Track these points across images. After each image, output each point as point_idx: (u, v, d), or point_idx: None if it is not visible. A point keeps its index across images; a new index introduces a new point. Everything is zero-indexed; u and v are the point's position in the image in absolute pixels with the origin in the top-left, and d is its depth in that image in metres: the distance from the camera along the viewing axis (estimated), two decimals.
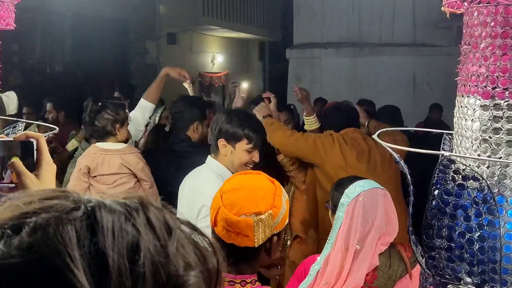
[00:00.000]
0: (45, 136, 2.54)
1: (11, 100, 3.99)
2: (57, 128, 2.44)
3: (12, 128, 2.60)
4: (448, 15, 1.71)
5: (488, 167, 1.59)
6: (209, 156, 2.95)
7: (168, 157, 3.66)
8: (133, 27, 12.20)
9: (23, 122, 2.61)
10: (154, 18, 12.58)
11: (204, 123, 3.71)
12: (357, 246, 2.34)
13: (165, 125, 4.70)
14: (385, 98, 7.97)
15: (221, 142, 2.85)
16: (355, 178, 2.59)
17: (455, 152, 1.69)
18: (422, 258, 1.69)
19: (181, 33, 13.08)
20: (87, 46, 10.88)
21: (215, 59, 14.88)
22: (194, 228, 0.69)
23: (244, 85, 4.48)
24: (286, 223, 1.83)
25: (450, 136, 1.92)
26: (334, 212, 2.54)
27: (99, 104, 3.28)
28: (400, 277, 2.54)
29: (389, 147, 1.70)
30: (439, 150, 1.75)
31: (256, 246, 1.74)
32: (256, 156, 2.90)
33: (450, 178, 1.53)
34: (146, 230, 0.61)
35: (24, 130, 2.58)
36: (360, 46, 11.46)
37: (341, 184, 2.59)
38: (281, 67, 13.91)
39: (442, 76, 10.58)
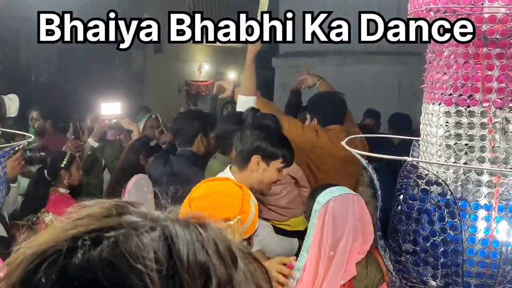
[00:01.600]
0: (20, 145, 2.55)
1: (13, 102, 4.07)
2: (32, 137, 2.46)
3: None
4: None
5: (454, 172, 1.62)
6: (227, 169, 2.84)
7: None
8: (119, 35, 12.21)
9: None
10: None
11: (209, 134, 3.72)
12: (330, 252, 2.36)
13: (151, 139, 4.66)
14: (371, 106, 8.05)
15: (256, 158, 2.74)
16: (330, 185, 2.61)
17: (421, 158, 1.72)
18: (390, 263, 1.72)
19: (167, 42, 13.10)
20: (73, 54, 10.88)
21: (201, 67, 14.92)
22: (249, 253, 0.70)
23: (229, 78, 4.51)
24: (256, 228, 1.85)
25: (419, 143, 1.96)
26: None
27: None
28: (377, 286, 2.56)
29: (357, 153, 1.73)
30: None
31: None
32: (282, 175, 2.88)
33: (414, 184, 1.57)
34: (216, 257, 0.62)
35: None
36: (345, 55, 11.54)
37: (315, 192, 2.62)
38: (267, 75, 13.95)
39: None
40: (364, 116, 7.06)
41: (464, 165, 1.52)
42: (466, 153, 1.57)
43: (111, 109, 5.34)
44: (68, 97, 9.61)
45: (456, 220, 1.51)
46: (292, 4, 11.91)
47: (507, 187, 1.55)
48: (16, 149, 2.62)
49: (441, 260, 1.53)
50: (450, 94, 1.58)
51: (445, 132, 1.60)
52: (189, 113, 3.90)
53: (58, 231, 0.62)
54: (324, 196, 2.44)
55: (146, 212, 0.65)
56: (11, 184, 3.78)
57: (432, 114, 1.66)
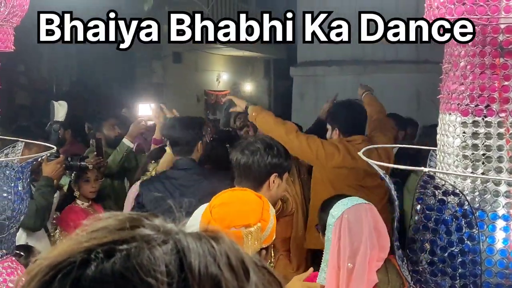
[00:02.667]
0: (43, 156, 2.60)
1: (62, 107, 4.20)
2: (55, 148, 2.50)
3: (12, 147, 2.66)
4: None
5: (471, 183, 1.62)
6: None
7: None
8: (139, 46, 12.31)
9: (22, 141, 2.65)
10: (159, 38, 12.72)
11: (203, 140, 3.69)
12: (349, 264, 2.36)
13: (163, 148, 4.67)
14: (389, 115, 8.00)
15: (274, 176, 2.68)
16: (339, 197, 2.61)
17: (438, 168, 1.73)
18: (408, 273, 1.72)
19: (186, 52, 13.21)
20: (93, 66, 11.02)
21: (220, 77, 15.01)
22: (264, 266, 0.71)
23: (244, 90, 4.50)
24: (274, 238, 1.86)
25: (436, 153, 1.96)
26: (323, 233, 2.56)
27: None
28: None
29: (373, 163, 1.74)
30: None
31: None
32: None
33: (431, 194, 1.57)
34: (227, 270, 0.63)
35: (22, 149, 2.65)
36: (363, 64, 11.52)
37: (326, 205, 2.61)
38: (286, 85, 13.99)
39: None
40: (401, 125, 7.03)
41: (482, 176, 1.52)
42: (483, 163, 1.57)
43: (147, 110, 5.31)
44: (89, 108, 9.73)
45: (474, 230, 1.51)
46: (308, 5, 11.96)
47: None
48: (39, 160, 2.67)
49: (459, 270, 1.52)
50: (467, 105, 1.59)
51: (462, 142, 1.60)
52: (181, 121, 3.81)
53: (73, 243, 0.63)
54: (337, 209, 2.44)
55: (160, 225, 0.66)
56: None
57: (449, 124, 1.66)
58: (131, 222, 0.66)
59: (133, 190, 3.94)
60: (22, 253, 3.21)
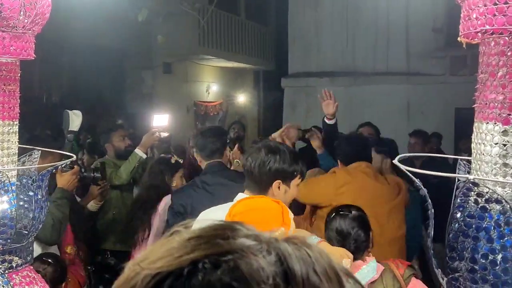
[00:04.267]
0: (62, 164, 2.58)
1: (76, 116, 4.17)
2: (74, 156, 2.49)
3: (28, 156, 2.64)
4: (464, 45, 1.78)
5: (507, 191, 1.64)
6: (241, 195, 2.69)
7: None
8: (129, 56, 12.32)
9: (39, 150, 2.64)
10: (150, 48, 12.71)
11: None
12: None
13: (168, 158, 4.65)
14: (380, 127, 8.07)
15: (277, 184, 2.65)
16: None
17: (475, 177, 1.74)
18: (443, 280, 1.73)
19: (176, 63, 13.21)
20: (84, 76, 10.96)
21: (210, 88, 15.00)
22: (351, 275, 0.71)
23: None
24: None
25: (464, 162, 1.98)
26: None
27: None
28: None
29: (408, 171, 1.75)
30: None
31: None
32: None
33: (473, 201, 1.59)
34: (325, 279, 0.63)
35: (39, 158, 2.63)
36: (354, 75, 11.62)
37: (331, 216, 2.68)
38: (275, 96, 14.04)
39: (437, 105, 10.74)
40: (409, 136, 7.09)
41: None
42: None
43: (161, 120, 5.28)
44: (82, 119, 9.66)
45: None
46: (299, 19, 12.05)
47: None
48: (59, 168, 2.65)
49: (502, 277, 1.54)
50: (507, 114, 1.61)
51: (501, 151, 1.62)
52: (210, 131, 3.92)
53: (173, 251, 0.63)
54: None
55: (258, 234, 0.66)
56: None
57: (486, 133, 1.68)
58: (230, 232, 0.65)
59: (163, 205, 3.96)
60: (50, 261, 3.19)
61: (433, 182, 4.18)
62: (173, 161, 4.45)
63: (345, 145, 4.06)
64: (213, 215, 2.67)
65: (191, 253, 0.62)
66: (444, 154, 6.99)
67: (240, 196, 2.63)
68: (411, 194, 3.97)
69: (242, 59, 14.98)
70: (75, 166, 3.87)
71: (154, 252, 0.64)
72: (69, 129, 4.10)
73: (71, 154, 2.50)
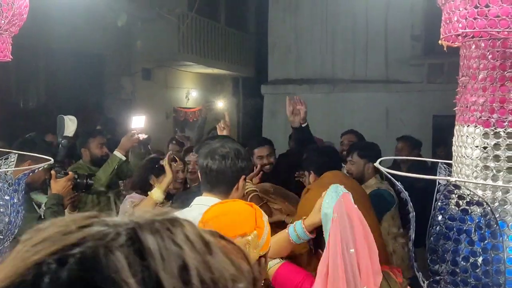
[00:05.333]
0: (39, 168, 2.53)
1: (72, 122, 4.09)
2: (52, 160, 2.44)
3: (4, 159, 2.59)
4: (445, 48, 1.78)
5: (488, 194, 1.64)
6: (207, 197, 2.68)
7: None
8: (109, 62, 12.23)
9: (16, 153, 2.59)
10: (130, 54, 12.63)
11: None
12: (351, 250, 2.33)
13: (159, 158, 4.55)
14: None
15: (242, 178, 2.69)
16: None
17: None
18: (424, 283, 1.73)
19: (156, 69, 13.15)
20: (62, 81, 10.85)
21: (189, 94, 14.97)
22: (222, 237, 0.70)
23: (226, 117, 4.48)
24: (269, 246, 1.86)
25: (445, 166, 1.98)
26: None
27: None
28: None
29: (390, 173, 1.75)
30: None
31: None
32: None
33: (454, 204, 1.58)
34: (188, 247, 0.61)
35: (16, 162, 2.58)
36: (333, 82, 11.68)
37: None
38: (255, 103, 14.06)
39: (415, 112, 10.84)
40: (397, 140, 7.12)
41: (510, 186, 1.54)
42: (504, 174, 1.60)
43: (139, 122, 5.21)
44: (56, 124, 9.54)
45: (497, 240, 1.52)
46: (278, 25, 12.08)
47: None
48: (36, 171, 2.60)
49: (483, 280, 1.54)
50: (487, 116, 1.61)
51: (482, 153, 1.63)
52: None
53: (18, 261, 0.58)
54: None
55: (109, 220, 0.63)
56: None
57: (467, 136, 1.68)
58: (77, 224, 0.61)
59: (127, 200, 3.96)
60: None
61: (419, 186, 4.18)
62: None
63: (315, 156, 4.01)
64: None
65: (32, 257, 0.57)
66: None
67: (208, 200, 2.59)
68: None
69: (222, 65, 14.97)
70: (70, 172, 3.80)
71: (2, 267, 0.59)
72: (63, 135, 4.02)
73: (49, 158, 2.46)
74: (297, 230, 2.47)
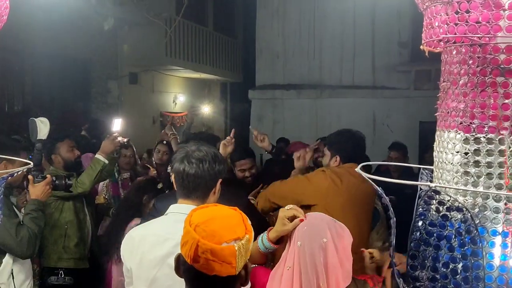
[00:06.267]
0: (19, 172, 2.50)
1: (44, 124, 4.01)
2: (32, 164, 2.41)
3: None
4: (427, 54, 1.78)
5: (468, 199, 1.64)
6: (184, 205, 2.60)
7: None
8: (95, 66, 12.17)
9: None
10: (116, 58, 12.58)
11: None
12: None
13: (158, 181, 4.44)
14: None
15: (219, 182, 2.64)
16: None
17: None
18: None
19: (143, 73, 13.11)
20: (48, 85, 10.77)
21: (177, 99, 14.93)
22: None
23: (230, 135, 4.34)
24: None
25: (427, 171, 1.97)
26: None
27: None
28: None
29: (371, 178, 1.74)
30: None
31: (237, 273, 1.74)
32: None
33: (434, 209, 1.58)
34: None
35: None
36: (321, 88, 11.70)
37: None
38: (242, 108, 14.05)
39: (401, 118, 10.88)
40: (389, 150, 7.08)
41: (492, 192, 1.53)
42: (484, 179, 1.59)
43: (116, 125, 5.11)
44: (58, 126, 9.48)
45: (477, 246, 1.52)
46: (266, 30, 12.09)
47: None
48: (15, 175, 2.55)
49: (462, 286, 1.53)
50: (468, 122, 1.61)
51: (462, 159, 1.62)
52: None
53: None
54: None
55: None
56: None
57: (448, 141, 1.68)
58: None
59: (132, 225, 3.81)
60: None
61: (408, 193, 4.18)
62: (159, 186, 4.28)
63: (347, 142, 3.96)
64: (151, 228, 2.61)
65: None
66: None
67: (186, 208, 2.52)
68: None
69: (210, 70, 14.97)
70: (48, 176, 3.73)
71: None
72: (37, 138, 3.94)
73: (29, 162, 2.42)
74: (263, 240, 2.47)
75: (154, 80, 13.85)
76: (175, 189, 2.65)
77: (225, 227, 1.78)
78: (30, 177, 3.65)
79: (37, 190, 3.64)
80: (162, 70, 13.80)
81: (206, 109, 15.80)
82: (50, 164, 4.72)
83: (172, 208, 2.61)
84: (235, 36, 16.73)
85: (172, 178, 2.67)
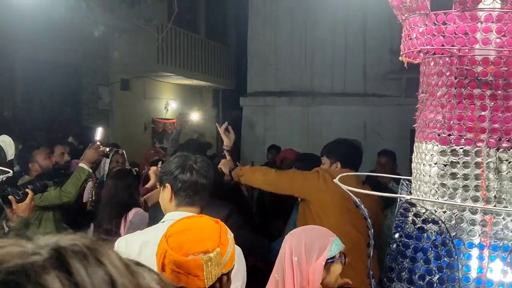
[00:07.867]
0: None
1: (8, 144, 3.94)
2: (11, 172, 2.39)
3: None
4: (406, 65, 1.78)
5: (445, 211, 1.63)
6: (182, 212, 2.59)
7: None
8: (86, 72, 12.14)
9: None
10: (108, 64, 12.55)
11: None
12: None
13: (131, 169, 4.46)
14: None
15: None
16: None
17: (415, 197, 1.73)
18: None
19: (134, 79, 13.08)
20: (39, 90, 10.74)
21: (169, 105, 14.90)
22: (142, 265, 0.70)
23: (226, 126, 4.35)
24: (234, 264, 1.82)
25: (407, 182, 1.97)
26: None
27: None
28: None
29: (349, 190, 1.73)
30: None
31: (207, 286, 1.72)
32: None
33: (411, 221, 1.57)
34: (111, 265, 0.61)
35: None
36: (312, 95, 11.71)
37: None
38: (234, 115, 14.03)
39: (392, 126, 10.89)
40: (378, 156, 7.09)
41: (466, 204, 1.53)
42: (460, 192, 1.59)
43: (98, 134, 5.11)
44: (33, 134, 9.43)
45: (452, 258, 1.51)
46: (258, 38, 12.11)
47: (501, 226, 1.56)
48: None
49: None
50: (446, 134, 1.60)
51: (439, 171, 1.62)
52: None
53: None
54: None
55: (24, 242, 0.61)
56: None
57: (426, 153, 1.67)
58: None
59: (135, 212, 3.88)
60: None
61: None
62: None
63: (348, 150, 4.13)
64: (150, 235, 2.58)
65: None
66: (399, 175, 7.04)
67: (179, 215, 2.46)
68: None
69: (202, 77, 14.95)
70: (28, 191, 3.64)
71: None
72: (7, 160, 3.87)
73: (8, 170, 2.41)
74: None
75: (146, 87, 13.82)
76: (172, 197, 2.66)
77: (196, 239, 1.77)
78: (11, 197, 3.57)
79: (21, 209, 3.59)
80: (154, 77, 13.77)
81: (198, 116, 15.78)
82: (25, 174, 4.60)
83: (169, 215, 2.61)
84: (227, 43, 16.73)
85: (168, 187, 2.67)
